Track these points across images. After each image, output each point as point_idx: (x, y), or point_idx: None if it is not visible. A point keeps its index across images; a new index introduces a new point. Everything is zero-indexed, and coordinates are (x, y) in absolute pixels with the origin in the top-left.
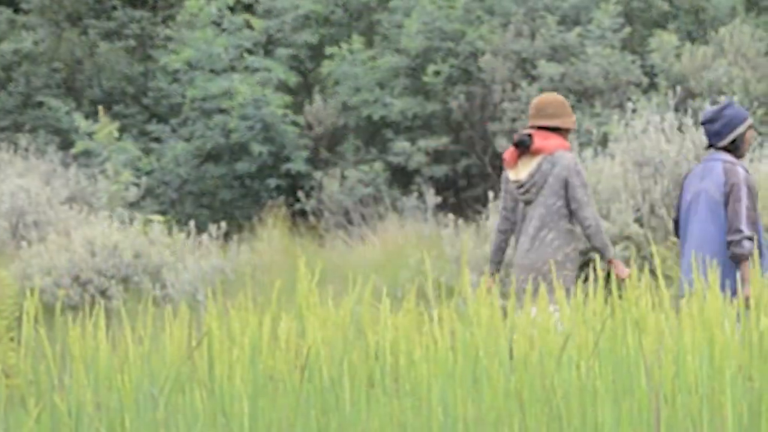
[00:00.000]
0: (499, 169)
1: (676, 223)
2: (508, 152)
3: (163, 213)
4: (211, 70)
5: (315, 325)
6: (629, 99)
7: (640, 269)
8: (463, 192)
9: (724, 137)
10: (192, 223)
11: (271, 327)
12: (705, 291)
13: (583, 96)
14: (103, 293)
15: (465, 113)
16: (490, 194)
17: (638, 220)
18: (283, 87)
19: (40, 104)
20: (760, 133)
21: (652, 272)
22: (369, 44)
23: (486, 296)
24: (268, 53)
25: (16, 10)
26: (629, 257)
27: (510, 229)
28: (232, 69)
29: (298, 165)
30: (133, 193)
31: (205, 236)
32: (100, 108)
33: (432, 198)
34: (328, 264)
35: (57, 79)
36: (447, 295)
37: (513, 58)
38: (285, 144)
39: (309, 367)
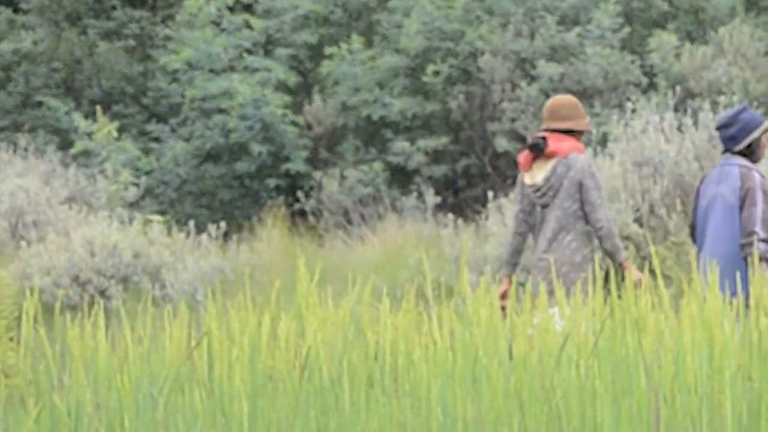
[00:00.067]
0: (498, 169)
1: (692, 228)
2: (523, 156)
3: (162, 213)
4: (211, 70)
5: (314, 325)
6: (629, 99)
7: (640, 269)
8: (462, 192)
9: (739, 142)
10: (191, 223)
11: (270, 327)
12: (705, 291)
13: (582, 96)
14: (102, 293)
15: (464, 113)
16: (490, 194)
17: (638, 220)
18: (282, 87)
19: (40, 104)
20: None
21: (652, 272)
22: (368, 44)
23: (485, 296)
24: (267, 53)
25: (16, 10)
26: (629, 257)
27: (527, 231)
28: (232, 69)
29: (297, 165)
30: (132, 193)
31: (204, 236)
32: (98, 108)
33: (431, 198)
34: (328, 264)
35: (56, 79)
36: (446, 295)
37: (512, 58)
38: (284, 144)
39: (308, 367)
